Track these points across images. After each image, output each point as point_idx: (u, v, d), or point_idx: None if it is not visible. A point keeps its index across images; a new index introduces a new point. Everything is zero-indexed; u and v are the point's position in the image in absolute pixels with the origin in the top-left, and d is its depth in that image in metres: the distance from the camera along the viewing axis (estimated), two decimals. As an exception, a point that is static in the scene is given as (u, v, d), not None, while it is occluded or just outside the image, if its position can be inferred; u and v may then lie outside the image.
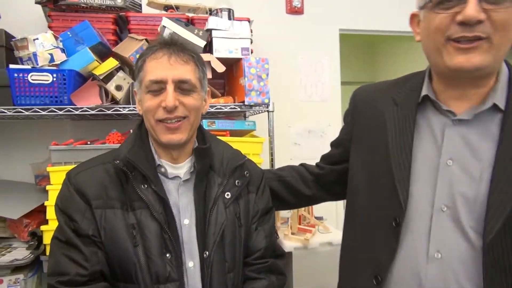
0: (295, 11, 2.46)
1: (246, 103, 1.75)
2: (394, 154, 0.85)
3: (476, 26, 0.72)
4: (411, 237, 0.81)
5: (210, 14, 1.94)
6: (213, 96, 1.84)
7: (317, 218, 2.05)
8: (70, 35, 1.66)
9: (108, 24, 1.88)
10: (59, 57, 1.60)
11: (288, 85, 2.44)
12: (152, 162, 0.97)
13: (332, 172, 1.17)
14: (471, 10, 0.71)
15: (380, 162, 0.88)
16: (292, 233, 1.88)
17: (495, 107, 0.77)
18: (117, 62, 1.71)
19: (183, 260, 0.95)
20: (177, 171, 1.00)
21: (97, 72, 1.69)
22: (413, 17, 0.88)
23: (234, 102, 1.85)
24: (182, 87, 0.94)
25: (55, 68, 1.59)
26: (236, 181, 1.04)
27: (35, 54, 1.55)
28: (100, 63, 1.71)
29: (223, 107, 1.77)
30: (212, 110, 1.75)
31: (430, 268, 0.78)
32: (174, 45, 0.95)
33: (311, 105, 2.49)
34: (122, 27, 1.99)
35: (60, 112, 1.59)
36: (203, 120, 1.73)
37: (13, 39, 1.58)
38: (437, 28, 0.77)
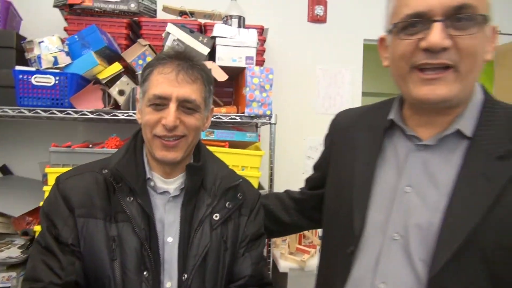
0: (317, 19, 2.36)
1: (246, 113, 1.69)
2: (356, 180, 0.82)
3: (441, 53, 0.68)
4: (360, 266, 0.78)
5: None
6: (215, 104, 1.79)
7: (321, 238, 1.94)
8: (77, 39, 1.68)
9: (121, 28, 1.90)
10: (63, 60, 1.63)
11: (305, 96, 2.35)
12: (142, 174, 0.94)
13: (312, 197, 1.12)
14: (436, 36, 0.67)
15: (345, 188, 0.86)
16: (290, 253, 1.79)
17: (459, 133, 0.73)
18: (121, 67, 1.71)
19: (161, 280, 0.91)
20: (167, 186, 0.97)
21: (101, 76, 1.70)
22: (382, 41, 0.83)
23: (238, 112, 1.80)
24: (185, 106, 0.91)
25: (58, 71, 1.62)
26: (227, 203, 0.99)
27: (39, 57, 1.59)
28: (106, 67, 1.72)
29: (223, 117, 1.72)
30: (212, 119, 1.70)
31: None
32: (184, 61, 0.92)
33: (328, 118, 2.36)
34: (136, 32, 2.01)
35: (60, 115, 1.61)
36: (202, 130, 1.69)
37: (23, 41, 1.63)
38: (401, 55, 0.72)
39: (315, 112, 2.37)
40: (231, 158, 1.69)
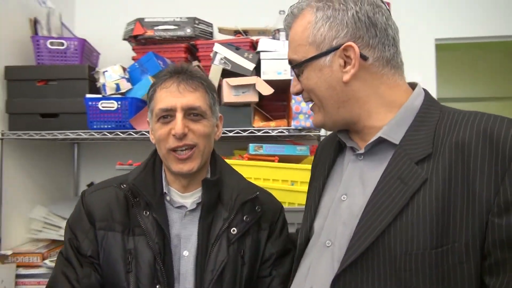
0: (380, 23, 2.22)
1: (292, 126, 1.65)
2: (310, 194, 0.88)
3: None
4: (299, 274, 0.80)
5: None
6: (265, 119, 1.79)
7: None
8: (137, 66, 1.84)
9: (181, 53, 2.03)
10: (125, 86, 1.79)
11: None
12: (159, 189, 0.98)
13: None
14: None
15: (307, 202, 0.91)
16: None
17: (386, 140, 0.73)
18: (175, 89, 1.82)
19: None
20: (184, 200, 1.00)
21: (158, 98, 1.82)
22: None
23: (288, 126, 1.76)
24: (191, 114, 0.96)
25: (120, 96, 1.78)
26: (245, 217, 0.99)
27: (104, 84, 1.77)
28: (163, 90, 1.85)
29: (271, 131, 1.70)
30: (259, 134, 1.70)
31: None
32: (183, 73, 0.97)
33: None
34: (194, 54, 2.12)
35: (123, 135, 1.77)
36: (250, 145, 1.70)
37: (92, 72, 1.84)
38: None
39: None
40: (279, 173, 1.66)
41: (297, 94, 0.81)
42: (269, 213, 1.04)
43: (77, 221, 0.99)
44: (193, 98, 0.96)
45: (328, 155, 0.86)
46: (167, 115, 0.95)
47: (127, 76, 1.81)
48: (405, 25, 2.17)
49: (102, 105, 1.75)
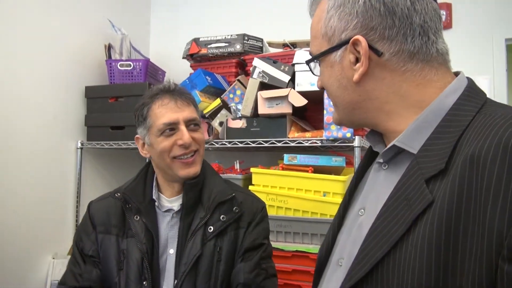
0: (439, 26, 2.06)
1: (324, 137, 1.63)
2: (340, 207, 0.77)
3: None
4: (315, 284, 0.74)
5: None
6: (301, 129, 1.80)
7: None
8: (188, 82, 2.01)
9: (232, 68, 2.16)
10: (176, 100, 1.97)
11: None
12: (148, 196, 1.11)
13: None
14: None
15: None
16: None
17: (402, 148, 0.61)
18: (219, 102, 1.94)
19: (160, 287, 1.04)
20: (171, 204, 1.12)
21: (205, 111, 1.97)
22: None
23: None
24: (191, 124, 1.09)
25: (171, 109, 1.97)
26: (222, 216, 1.08)
27: (196, 102, 1.97)
28: (211, 103, 1.99)
29: (304, 142, 1.71)
30: (293, 145, 1.72)
31: None
32: (174, 91, 1.10)
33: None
34: (244, 69, 2.23)
35: (173, 145, 1.95)
36: (284, 155, 1.73)
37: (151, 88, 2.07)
38: None
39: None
40: (311, 183, 1.66)
41: (322, 89, 0.71)
42: (248, 213, 1.12)
43: (83, 226, 1.15)
44: (190, 111, 1.10)
45: (362, 162, 0.76)
46: (170, 128, 1.06)
47: (178, 92, 1.98)
48: (470, 29, 2.00)
49: (156, 118, 1.96)
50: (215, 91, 2.05)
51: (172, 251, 1.07)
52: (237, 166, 1.98)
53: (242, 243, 1.09)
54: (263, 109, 1.74)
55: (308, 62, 0.70)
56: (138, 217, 1.07)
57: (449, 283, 0.49)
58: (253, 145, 1.79)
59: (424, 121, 0.59)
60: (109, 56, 2.23)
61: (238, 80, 1.92)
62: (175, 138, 1.06)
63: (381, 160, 0.65)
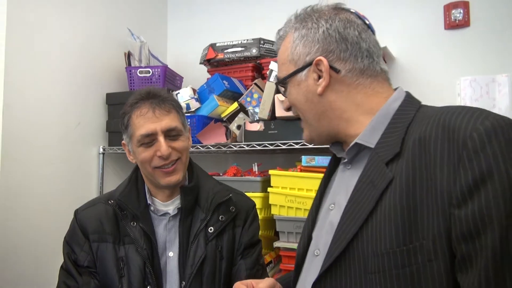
0: (456, 25, 2.05)
1: (342, 138, 1.64)
2: (312, 207, 0.88)
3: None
4: (295, 280, 0.83)
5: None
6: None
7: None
8: (206, 87, 2.05)
9: (248, 72, 2.19)
10: (194, 105, 2.01)
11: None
12: (143, 201, 1.11)
13: None
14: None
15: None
16: None
17: (364, 146, 0.74)
18: (237, 105, 1.97)
19: None
20: (166, 208, 1.12)
21: (222, 114, 2.00)
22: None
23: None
24: (170, 134, 1.07)
25: (189, 114, 2.01)
26: (220, 217, 1.11)
27: (179, 108, 2.01)
28: (228, 107, 2.02)
29: (322, 143, 1.71)
30: (311, 146, 1.73)
31: None
32: (154, 98, 1.07)
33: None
34: (261, 72, 2.26)
35: (192, 149, 1.98)
36: (303, 156, 1.74)
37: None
38: None
39: (461, 131, 2.01)
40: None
41: (287, 110, 0.85)
42: (242, 212, 1.17)
43: (72, 236, 1.11)
44: (169, 120, 1.06)
45: (328, 167, 0.89)
46: (149, 140, 1.05)
47: (196, 96, 2.02)
48: (489, 26, 1.98)
49: (175, 122, 2.00)
50: (233, 95, 2.08)
51: (171, 254, 1.08)
52: (255, 168, 2.00)
53: (240, 241, 1.13)
54: (280, 112, 1.75)
55: (278, 84, 0.83)
56: (135, 223, 1.06)
57: (413, 240, 0.60)
58: (271, 147, 1.81)
59: (377, 122, 0.73)
60: (129, 64, 2.29)
61: (255, 84, 1.95)
62: (154, 149, 1.05)
63: (346, 160, 0.77)
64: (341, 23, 0.76)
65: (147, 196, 1.13)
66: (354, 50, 0.75)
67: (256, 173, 1.98)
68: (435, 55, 2.08)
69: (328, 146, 0.85)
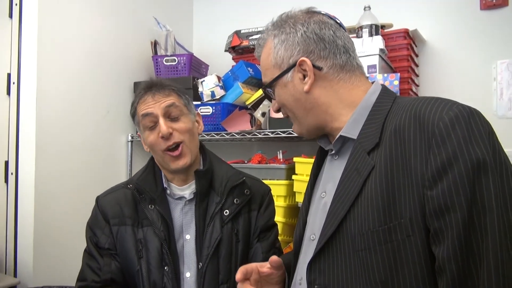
0: (493, 4, 1.94)
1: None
2: (304, 197, 0.94)
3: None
4: (294, 265, 0.88)
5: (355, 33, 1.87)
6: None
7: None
8: (230, 74, 2.05)
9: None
10: (219, 92, 2.02)
11: (479, 98, 1.94)
12: (160, 185, 1.14)
13: None
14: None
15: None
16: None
17: (348, 137, 0.80)
18: (261, 93, 1.96)
19: (180, 271, 1.09)
20: (182, 192, 1.15)
21: (247, 102, 2.00)
22: None
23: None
24: (170, 114, 1.09)
25: (215, 101, 2.02)
26: (235, 200, 1.13)
27: (202, 92, 2.03)
28: (253, 94, 2.01)
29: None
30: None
31: None
32: (155, 86, 1.11)
33: (514, 123, 1.87)
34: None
35: (217, 137, 1.99)
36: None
37: (195, 82, 2.13)
38: None
39: (496, 116, 1.92)
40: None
41: (277, 111, 0.90)
42: (257, 196, 1.18)
43: (94, 221, 1.16)
44: (168, 101, 1.10)
45: (316, 159, 0.96)
46: (151, 122, 1.09)
47: (221, 84, 2.03)
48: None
49: (201, 110, 2.02)
50: (257, 82, 2.06)
51: (188, 236, 1.11)
52: (280, 156, 1.99)
53: (256, 224, 1.15)
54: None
55: (265, 88, 0.88)
56: (153, 206, 1.10)
57: (393, 219, 0.67)
58: (296, 134, 1.78)
59: (358, 115, 0.79)
60: (155, 52, 2.32)
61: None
62: (157, 131, 1.08)
63: (333, 152, 0.83)
64: (316, 25, 0.82)
65: (164, 180, 1.16)
66: (332, 48, 0.81)
67: (281, 160, 1.97)
68: (470, 37, 1.98)
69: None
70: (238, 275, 0.87)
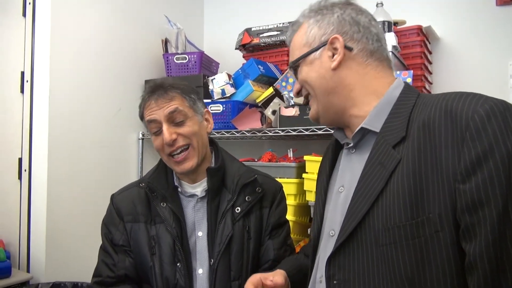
0: (510, 0, 1.89)
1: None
2: (317, 190, 0.94)
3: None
4: (312, 262, 0.88)
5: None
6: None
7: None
8: (241, 72, 2.04)
9: (284, 56, 2.15)
10: (229, 90, 2.01)
11: (497, 95, 1.88)
12: (171, 183, 1.15)
13: None
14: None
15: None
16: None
17: (368, 130, 0.79)
18: (272, 91, 1.95)
19: (193, 268, 1.09)
20: (194, 190, 1.15)
21: (258, 100, 1.99)
22: None
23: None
24: (174, 119, 1.08)
25: (225, 99, 2.01)
26: (247, 197, 1.13)
27: (212, 90, 2.03)
28: (263, 92, 2.00)
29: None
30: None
31: None
32: (158, 90, 1.10)
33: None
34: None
35: (227, 135, 1.99)
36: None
37: (205, 80, 2.13)
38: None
39: (513, 115, 1.87)
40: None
41: (297, 94, 0.90)
42: (269, 193, 1.18)
43: (109, 218, 1.18)
44: (171, 106, 1.07)
45: (330, 153, 0.94)
46: (155, 128, 1.09)
47: (231, 82, 2.02)
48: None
49: (211, 108, 2.01)
50: (268, 80, 2.05)
51: (201, 233, 1.11)
52: (290, 154, 1.98)
53: (268, 221, 1.15)
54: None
55: (291, 65, 0.87)
56: (165, 204, 1.10)
57: (421, 214, 0.66)
58: (306, 133, 1.78)
59: (380, 108, 0.78)
60: (166, 50, 2.32)
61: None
62: (161, 137, 1.08)
63: (351, 145, 0.82)
64: (353, 11, 0.83)
65: (175, 179, 1.17)
66: (365, 33, 0.81)
67: (291, 159, 1.96)
68: (485, 34, 1.94)
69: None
70: None
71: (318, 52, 0.82)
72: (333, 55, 0.81)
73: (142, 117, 1.14)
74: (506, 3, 1.90)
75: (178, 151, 1.09)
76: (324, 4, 0.85)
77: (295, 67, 0.87)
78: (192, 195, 1.16)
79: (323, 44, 0.82)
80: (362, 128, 0.79)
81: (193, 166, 1.10)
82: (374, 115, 0.78)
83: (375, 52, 0.81)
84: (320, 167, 1.01)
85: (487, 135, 0.62)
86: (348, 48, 0.80)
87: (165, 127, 1.07)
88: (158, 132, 1.09)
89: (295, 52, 0.86)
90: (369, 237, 0.71)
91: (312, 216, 1.79)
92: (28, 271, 1.77)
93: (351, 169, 0.81)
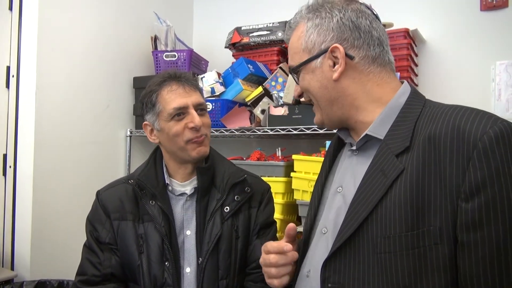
0: (494, 6, 1.95)
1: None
2: (315, 186, 0.94)
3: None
4: (301, 257, 0.87)
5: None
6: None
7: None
8: (230, 71, 2.05)
9: (273, 56, 2.16)
10: (219, 89, 2.02)
11: (478, 99, 1.95)
12: (161, 181, 1.14)
13: None
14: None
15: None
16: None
17: (372, 136, 0.79)
18: (261, 90, 1.96)
19: (181, 266, 1.09)
20: (183, 188, 1.15)
21: (247, 99, 2.00)
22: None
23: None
24: (198, 109, 1.12)
25: (214, 98, 2.02)
26: (236, 197, 1.13)
27: (201, 89, 2.03)
28: (253, 91, 2.01)
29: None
30: (335, 131, 1.70)
31: (302, 286, 0.84)
32: (181, 77, 1.13)
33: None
34: (286, 56, 2.23)
35: (216, 133, 2.00)
36: (326, 141, 1.72)
37: (194, 77, 2.12)
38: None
39: (494, 117, 1.93)
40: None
41: (299, 96, 0.89)
42: (258, 193, 1.20)
43: (95, 215, 1.16)
44: (198, 96, 1.14)
45: (328, 155, 0.94)
46: (180, 112, 1.09)
47: (221, 81, 2.03)
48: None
49: (200, 106, 2.01)
50: (257, 79, 2.07)
51: (189, 232, 1.12)
52: (279, 153, 2.00)
53: (256, 221, 1.16)
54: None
55: (292, 71, 0.85)
56: (154, 202, 1.10)
57: (421, 226, 0.67)
58: (295, 132, 1.80)
59: (386, 115, 0.78)
60: (155, 48, 2.31)
61: (280, 68, 1.93)
62: (185, 121, 1.09)
63: (354, 148, 0.82)
64: (354, 13, 0.79)
65: (165, 176, 1.16)
66: (367, 38, 0.79)
67: (280, 157, 1.97)
68: (469, 38, 1.99)
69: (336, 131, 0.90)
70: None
71: (318, 60, 0.80)
72: (334, 64, 0.79)
73: (155, 101, 1.12)
74: (489, 8, 1.96)
75: (199, 135, 1.11)
76: (322, 3, 0.82)
77: (296, 72, 0.85)
78: (182, 194, 1.16)
79: (323, 52, 0.79)
80: (366, 134, 0.78)
81: (207, 152, 1.14)
82: (379, 123, 0.78)
83: (377, 58, 0.79)
84: (324, 162, 1.01)
85: (494, 158, 0.63)
86: (349, 57, 0.78)
87: (194, 112, 1.10)
88: (181, 117, 1.10)
89: (295, 56, 0.84)
90: (366, 243, 0.72)
91: (299, 215, 1.82)
92: (12, 268, 1.75)
93: (352, 171, 0.81)
